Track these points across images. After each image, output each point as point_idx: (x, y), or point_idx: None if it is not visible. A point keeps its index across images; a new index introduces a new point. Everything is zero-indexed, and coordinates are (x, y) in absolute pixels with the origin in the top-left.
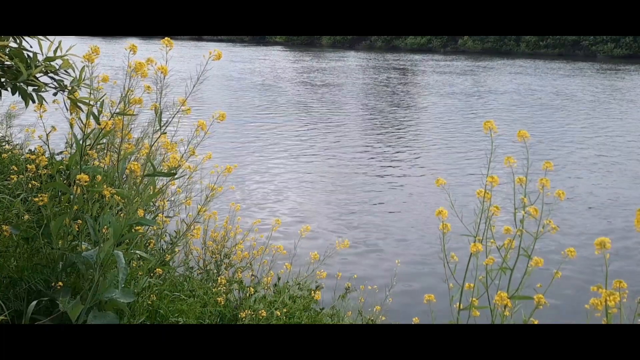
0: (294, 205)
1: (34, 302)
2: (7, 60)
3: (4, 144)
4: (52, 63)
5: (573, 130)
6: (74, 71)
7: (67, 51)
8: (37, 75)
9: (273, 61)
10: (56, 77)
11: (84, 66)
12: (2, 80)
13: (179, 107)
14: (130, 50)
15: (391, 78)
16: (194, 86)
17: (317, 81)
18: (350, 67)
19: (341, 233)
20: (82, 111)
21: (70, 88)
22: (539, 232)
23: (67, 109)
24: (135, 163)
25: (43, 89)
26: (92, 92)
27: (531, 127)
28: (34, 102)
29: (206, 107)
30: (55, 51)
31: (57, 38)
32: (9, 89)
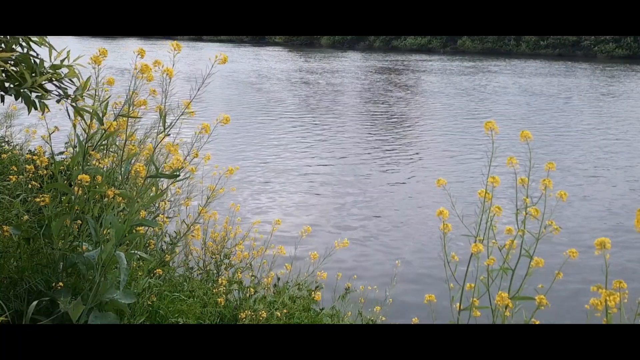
0: (293, 206)
1: (35, 302)
2: (12, 67)
3: (3, 144)
4: (57, 71)
5: (570, 130)
6: (79, 80)
7: (74, 60)
8: (42, 82)
9: (272, 61)
10: (61, 85)
11: (89, 77)
12: (7, 85)
13: (183, 110)
14: (138, 54)
15: (389, 78)
16: (198, 89)
17: (315, 82)
18: (348, 68)
19: (340, 233)
20: (84, 120)
21: (73, 96)
22: (540, 232)
23: (69, 114)
24: (140, 164)
25: (47, 97)
26: (96, 94)
27: (528, 127)
28: (36, 109)
29: (205, 107)
30: (62, 60)
31: (66, 47)
32: (12, 94)
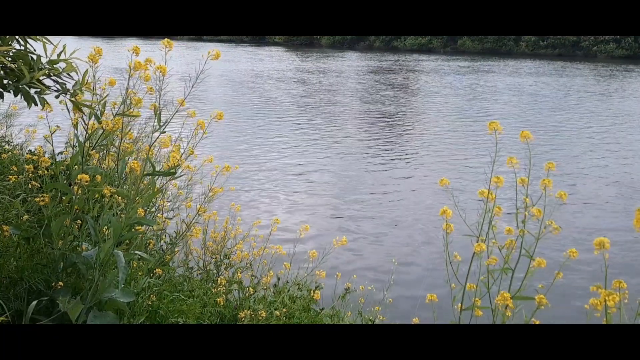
0: (289, 206)
1: (34, 302)
2: (10, 63)
3: (3, 144)
4: (55, 66)
5: (564, 129)
6: (77, 74)
7: (71, 54)
8: (40, 77)
9: (272, 61)
10: (59, 80)
11: (87, 69)
12: (5, 82)
13: (177, 107)
14: (133, 52)
15: (389, 78)
16: (192, 86)
17: (314, 82)
18: (348, 68)
19: (340, 233)
20: (84, 114)
21: (72, 91)
22: (540, 232)
23: (68, 111)
24: (135, 162)
25: (46, 92)
26: (94, 94)
27: (524, 127)
28: (36, 104)
29: (204, 106)
30: (59, 55)
31: (60, 40)
32: (11, 91)
